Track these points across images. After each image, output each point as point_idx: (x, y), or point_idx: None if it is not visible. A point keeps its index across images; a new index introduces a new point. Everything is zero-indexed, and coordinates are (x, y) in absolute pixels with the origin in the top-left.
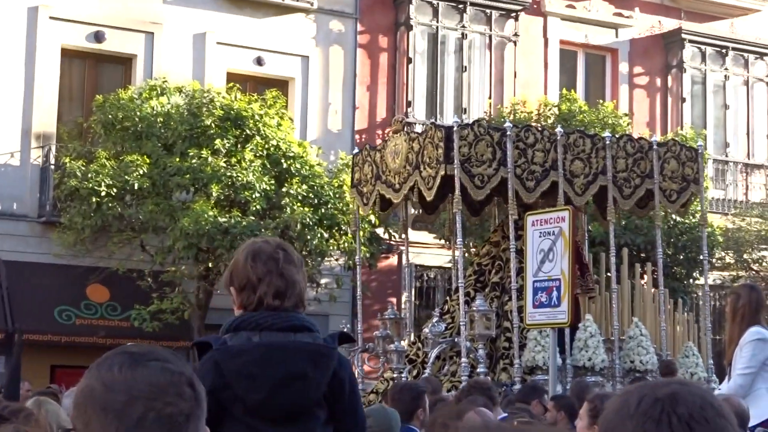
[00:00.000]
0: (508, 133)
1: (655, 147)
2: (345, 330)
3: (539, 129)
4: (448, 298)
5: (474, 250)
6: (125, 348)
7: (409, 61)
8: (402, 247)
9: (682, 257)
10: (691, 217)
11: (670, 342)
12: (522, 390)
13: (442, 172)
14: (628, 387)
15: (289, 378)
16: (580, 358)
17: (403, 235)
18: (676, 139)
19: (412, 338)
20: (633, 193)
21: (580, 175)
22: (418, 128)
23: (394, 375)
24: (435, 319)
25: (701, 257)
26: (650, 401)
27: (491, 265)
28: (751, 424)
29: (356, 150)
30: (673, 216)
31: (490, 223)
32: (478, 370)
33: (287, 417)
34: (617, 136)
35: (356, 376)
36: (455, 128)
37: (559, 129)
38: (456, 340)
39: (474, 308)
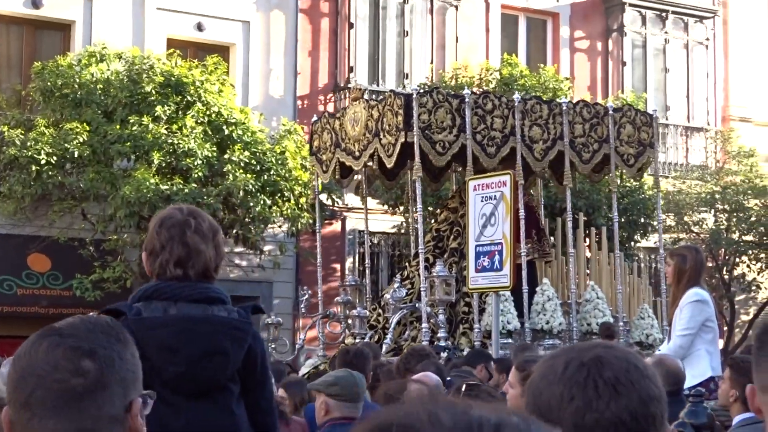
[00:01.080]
0: (467, 100)
1: (610, 112)
2: (258, 303)
3: (497, 96)
4: (407, 264)
5: (415, 216)
6: (53, 324)
7: (351, 26)
8: (345, 213)
9: (623, 220)
10: (631, 181)
11: (625, 304)
12: (468, 355)
13: (402, 140)
14: (553, 351)
15: (210, 353)
16: (538, 321)
17: (348, 203)
18: (631, 104)
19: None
20: (592, 158)
21: (539, 140)
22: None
23: (356, 340)
24: (396, 285)
25: (642, 219)
26: (576, 366)
27: (449, 231)
28: (691, 383)
29: (315, 118)
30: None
31: (437, 188)
32: (438, 334)
33: (203, 392)
34: (573, 102)
35: (318, 342)
36: (414, 96)
37: (516, 95)
38: (417, 305)
39: (434, 274)
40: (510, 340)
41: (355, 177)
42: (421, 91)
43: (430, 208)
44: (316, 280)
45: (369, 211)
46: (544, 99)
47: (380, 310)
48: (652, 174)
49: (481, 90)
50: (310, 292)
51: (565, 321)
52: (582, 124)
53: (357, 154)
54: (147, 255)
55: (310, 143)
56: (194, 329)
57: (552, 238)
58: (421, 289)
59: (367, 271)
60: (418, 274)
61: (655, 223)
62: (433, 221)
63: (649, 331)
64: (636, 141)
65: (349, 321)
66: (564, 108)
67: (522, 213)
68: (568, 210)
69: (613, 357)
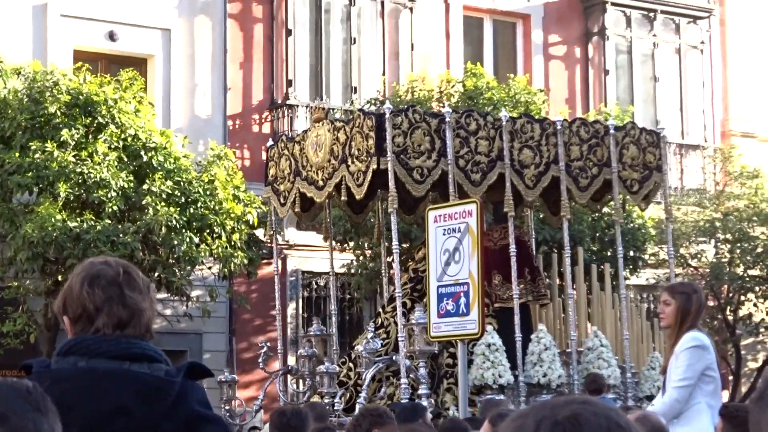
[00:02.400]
0: (447, 119)
1: (612, 131)
2: (198, 362)
3: (482, 114)
4: (381, 310)
5: (369, 252)
6: None
7: (289, 32)
8: (286, 251)
9: (609, 254)
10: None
11: (633, 352)
12: (401, 409)
13: (374, 166)
14: (524, 409)
15: (110, 413)
16: (534, 374)
17: (288, 239)
18: (634, 122)
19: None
20: (590, 184)
21: (530, 165)
22: (301, 111)
23: (326, 400)
24: (369, 335)
25: (632, 253)
26: (549, 425)
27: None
28: None
29: (271, 142)
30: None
31: (412, 220)
32: (419, 391)
33: None
34: (569, 120)
35: (279, 400)
36: (387, 115)
37: (504, 113)
38: (394, 358)
39: (412, 321)
40: (503, 396)
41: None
42: (395, 110)
43: (389, 244)
44: (253, 329)
45: (312, 248)
46: (535, 117)
47: (351, 365)
48: (658, 201)
49: (464, 108)
50: (269, 344)
51: (564, 373)
52: (579, 146)
53: (320, 183)
54: (73, 320)
55: (266, 171)
56: (96, 385)
57: (547, 278)
58: (399, 338)
59: (333, 320)
60: (395, 322)
61: (647, 256)
62: (410, 261)
63: (660, 383)
64: (641, 164)
65: (316, 377)
66: (558, 127)
67: (513, 249)
68: (566, 245)
69: (592, 414)
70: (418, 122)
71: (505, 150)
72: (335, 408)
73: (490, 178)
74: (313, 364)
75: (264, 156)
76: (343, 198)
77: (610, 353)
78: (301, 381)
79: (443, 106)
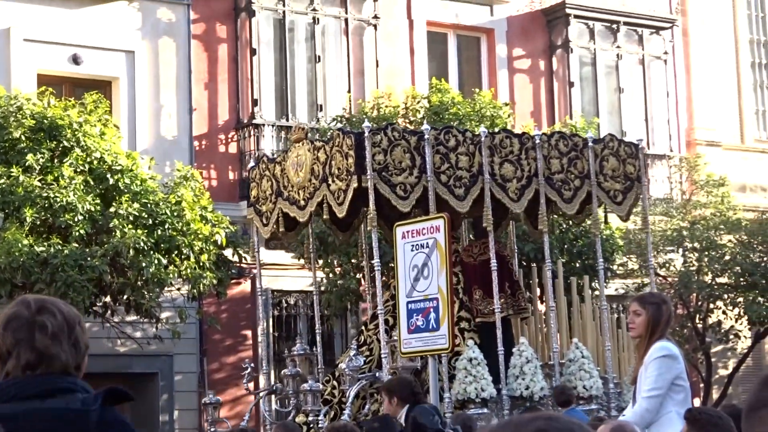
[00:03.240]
0: (426, 136)
1: (590, 144)
2: (121, 387)
3: (460, 130)
4: (363, 328)
5: (339, 269)
6: None
7: (253, 52)
8: (255, 271)
9: (578, 265)
10: (587, 221)
11: (615, 363)
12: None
13: (355, 184)
14: (490, 426)
15: None
16: (517, 387)
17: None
18: (614, 134)
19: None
20: (574, 196)
21: (512, 179)
22: (268, 130)
23: (309, 418)
24: (352, 353)
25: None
26: None
27: None
28: None
29: (252, 164)
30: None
31: (356, 238)
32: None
33: None
34: (548, 134)
35: (264, 419)
36: (366, 134)
37: (482, 129)
38: (377, 375)
39: (395, 338)
40: (485, 410)
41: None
42: (373, 128)
43: (355, 261)
44: (224, 350)
45: (281, 268)
46: (514, 132)
47: (335, 382)
48: (611, 210)
49: (442, 125)
50: (252, 365)
51: (547, 385)
52: (559, 159)
53: (302, 203)
54: None
55: (248, 192)
56: (9, 430)
57: (527, 292)
58: (382, 355)
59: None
60: (377, 339)
61: (615, 266)
62: (391, 278)
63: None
64: (622, 175)
65: (300, 396)
66: (537, 141)
67: (494, 264)
68: (547, 258)
69: (556, 430)
70: (398, 140)
71: (485, 165)
72: (319, 426)
73: (473, 193)
74: (297, 383)
75: (231, 175)
76: (325, 216)
77: (591, 364)
78: (285, 400)
79: (409, 123)
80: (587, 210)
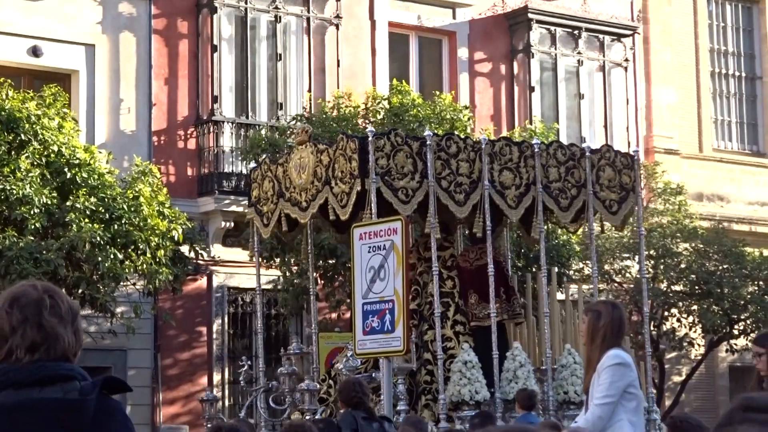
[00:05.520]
0: (428, 142)
1: (588, 154)
2: (116, 376)
3: (461, 138)
4: None
5: (296, 268)
6: None
7: (214, 48)
8: (212, 267)
9: (534, 269)
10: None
11: None
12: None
13: (358, 188)
14: None
15: None
16: (510, 390)
17: (214, 255)
18: (610, 144)
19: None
20: (571, 205)
21: (511, 186)
22: (227, 127)
23: (307, 417)
24: (348, 353)
25: (557, 269)
26: None
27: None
28: None
29: (254, 164)
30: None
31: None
32: (398, 407)
33: None
34: (546, 143)
35: (260, 418)
36: (370, 138)
37: (483, 137)
38: (373, 375)
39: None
40: (473, 412)
41: (222, 225)
42: (377, 133)
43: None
44: (178, 345)
45: (237, 265)
46: (514, 140)
47: (331, 382)
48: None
49: (444, 131)
50: (249, 363)
51: (539, 389)
52: (557, 167)
53: (304, 204)
54: None
55: (249, 192)
56: (5, 422)
57: (521, 297)
58: None
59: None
60: None
61: (572, 272)
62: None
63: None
64: (618, 185)
65: (296, 395)
66: (536, 150)
67: (490, 269)
68: (543, 265)
69: None
70: (401, 145)
71: (485, 172)
72: None
73: (473, 198)
74: (294, 382)
75: (189, 172)
76: (331, 218)
77: (583, 370)
78: (280, 398)
79: (369, 123)
80: (582, 218)
